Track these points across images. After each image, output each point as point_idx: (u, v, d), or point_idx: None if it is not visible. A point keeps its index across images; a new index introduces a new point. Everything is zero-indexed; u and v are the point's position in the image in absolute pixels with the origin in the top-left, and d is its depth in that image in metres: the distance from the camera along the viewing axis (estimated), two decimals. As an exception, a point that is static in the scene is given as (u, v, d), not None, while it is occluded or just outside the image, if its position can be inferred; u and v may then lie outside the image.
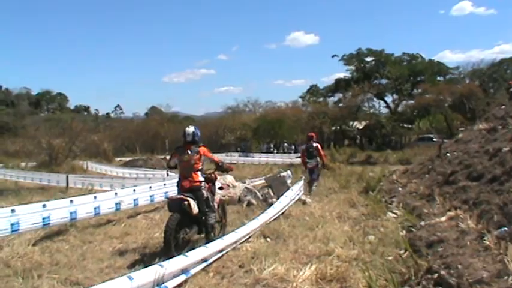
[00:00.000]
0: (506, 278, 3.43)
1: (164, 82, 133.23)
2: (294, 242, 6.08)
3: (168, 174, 14.86)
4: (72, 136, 26.50)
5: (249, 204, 9.55)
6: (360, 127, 44.26)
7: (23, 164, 25.16)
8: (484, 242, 4.38)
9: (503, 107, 11.99)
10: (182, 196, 5.83)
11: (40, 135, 27.13)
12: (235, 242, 5.68)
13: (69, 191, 13.80)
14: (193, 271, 4.52)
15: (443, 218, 5.91)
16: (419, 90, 43.57)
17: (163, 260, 4.27)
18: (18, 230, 6.15)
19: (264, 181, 12.08)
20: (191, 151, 6.07)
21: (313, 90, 55.79)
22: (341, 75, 49.61)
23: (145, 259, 5.36)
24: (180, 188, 6.07)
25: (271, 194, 10.13)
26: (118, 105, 75.39)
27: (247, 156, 33.47)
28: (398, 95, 45.77)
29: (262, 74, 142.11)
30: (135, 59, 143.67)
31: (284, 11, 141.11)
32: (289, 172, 13.09)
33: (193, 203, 5.76)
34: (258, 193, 10.06)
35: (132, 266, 5.22)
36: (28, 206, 6.77)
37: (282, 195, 8.88)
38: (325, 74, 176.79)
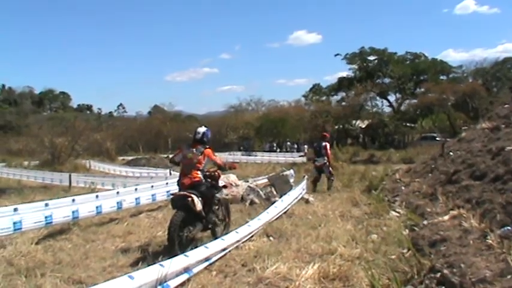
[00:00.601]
0: (509, 277, 3.42)
1: (167, 81, 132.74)
2: (296, 240, 6.08)
3: (170, 173, 14.76)
4: (75, 135, 26.51)
5: (252, 203, 9.55)
6: (363, 126, 44.26)
7: (26, 163, 25.25)
8: (487, 241, 4.37)
9: (506, 105, 11.89)
10: (186, 193, 5.81)
11: (43, 134, 27.20)
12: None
13: (72, 189, 13.80)
14: (195, 270, 4.51)
15: (446, 217, 5.90)
16: (422, 89, 43.62)
17: (167, 259, 4.27)
18: (21, 228, 6.16)
19: (266, 180, 12.08)
20: (196, 150, 6.11)
21: (316, 89, 55.97)
22: (344, 74, 49.87)
23: (148, 258, 5.34)
24: (181, 186, 6.07)
25: (274, 192, 10.13)
26: (121, 104, 75.72)
27: (250, 155, 33.40)
28: (401, 94, 45.79)
29: (265, 73, 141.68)
30: (137, 58, 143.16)
31: (287, 10, 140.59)
32: (291, 171, 13.07)
33: (196, 200, 5.75)
34: (260, 192, 10.06)
35: (135, 265, 5.20)
36: (30, 204, 6.79)
37: (284, 194, 8.86)
38: (328, 73, 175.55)
